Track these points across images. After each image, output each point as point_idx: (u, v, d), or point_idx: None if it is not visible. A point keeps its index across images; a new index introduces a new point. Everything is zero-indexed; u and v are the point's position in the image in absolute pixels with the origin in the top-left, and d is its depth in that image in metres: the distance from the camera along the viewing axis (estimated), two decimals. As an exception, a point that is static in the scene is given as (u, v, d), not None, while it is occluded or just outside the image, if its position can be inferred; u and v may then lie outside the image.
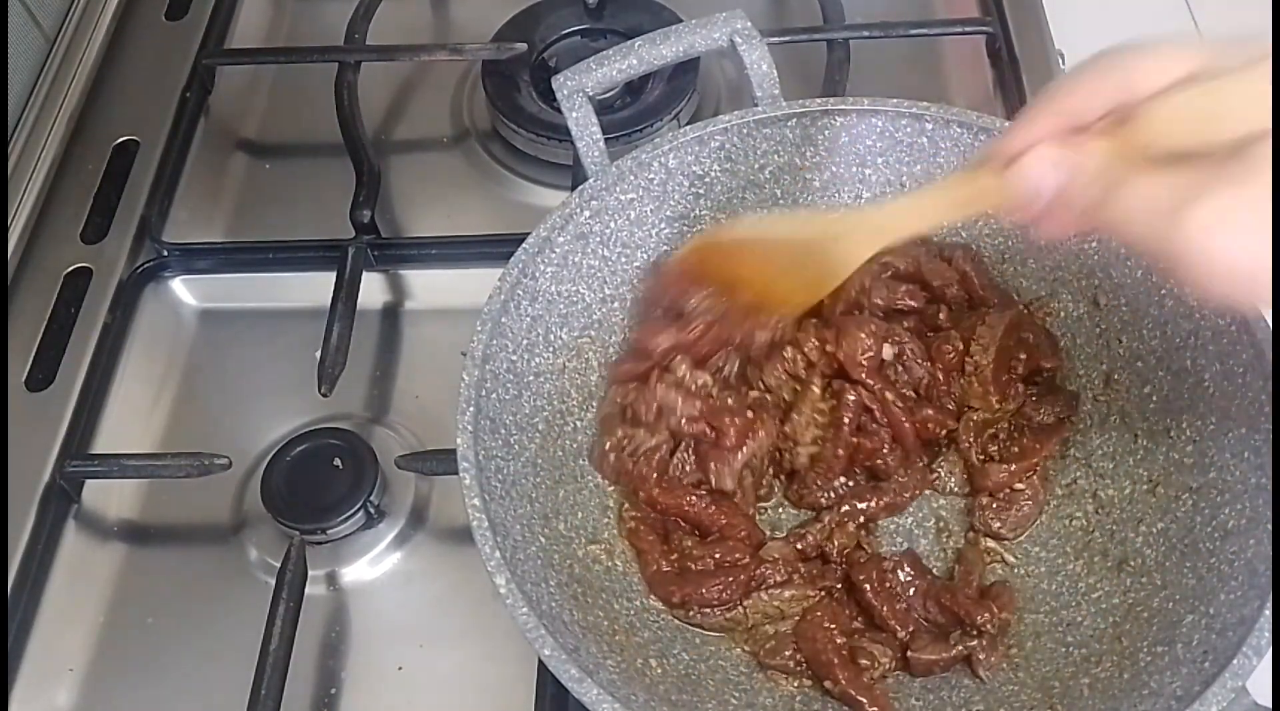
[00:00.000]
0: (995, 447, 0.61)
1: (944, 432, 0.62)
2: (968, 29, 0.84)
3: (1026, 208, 0.45)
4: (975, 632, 0.56)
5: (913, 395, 0.62)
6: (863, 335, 0.61)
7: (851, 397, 0.60)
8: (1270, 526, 0.51)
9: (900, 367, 0.62)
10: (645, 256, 0.64)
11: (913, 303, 0.64)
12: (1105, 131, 0.43)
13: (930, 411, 0.62)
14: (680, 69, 0.80)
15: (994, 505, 0.60)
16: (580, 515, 0.60)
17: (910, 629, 0.57)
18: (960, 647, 0.55)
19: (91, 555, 0.66)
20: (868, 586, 0.57)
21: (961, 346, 0.62)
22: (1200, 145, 0.40)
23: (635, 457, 0.60)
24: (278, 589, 0.60)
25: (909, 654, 0.56)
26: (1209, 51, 0.42)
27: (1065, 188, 0.44)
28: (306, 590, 0.61)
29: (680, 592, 0.57)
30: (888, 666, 0.56)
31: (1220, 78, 0.41)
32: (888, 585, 0.58)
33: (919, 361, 0.62)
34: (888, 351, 0.62)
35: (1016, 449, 0.61)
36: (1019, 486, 0.60)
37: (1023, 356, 0.63)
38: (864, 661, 0.55)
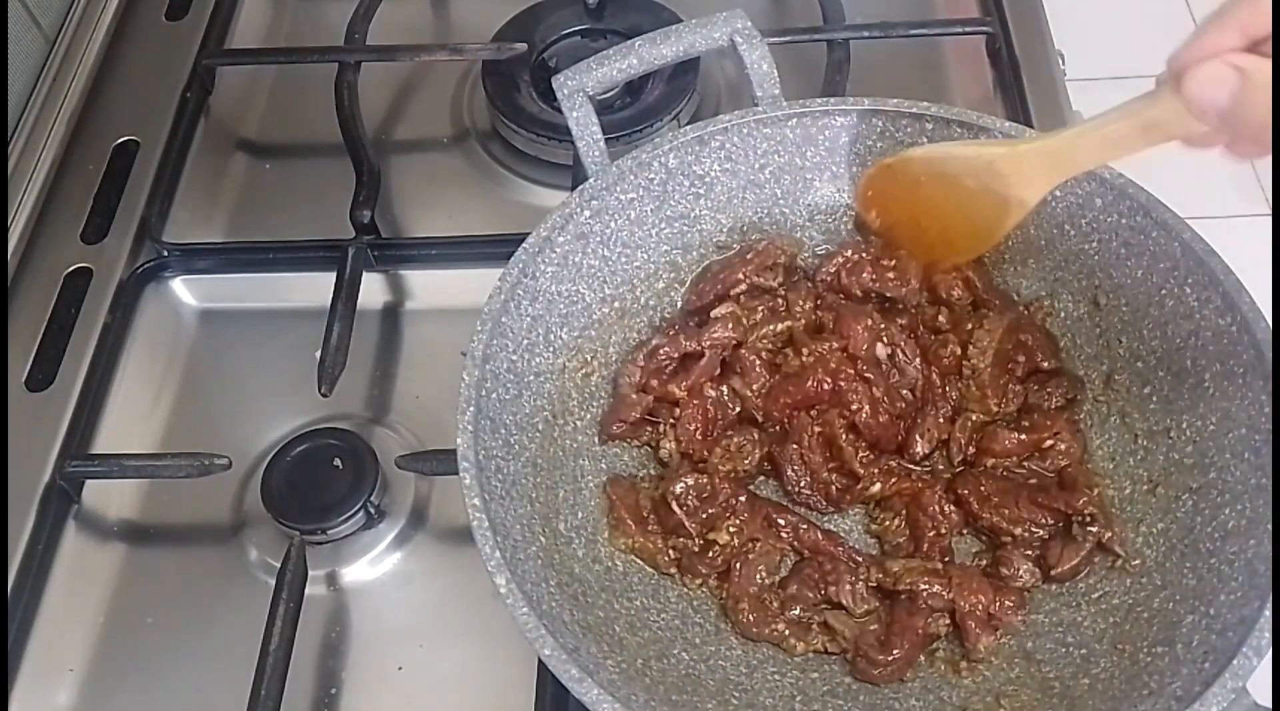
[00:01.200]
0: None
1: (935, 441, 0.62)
2: (968, 29, 0.84)
3: (1205, 118, 0.44)
4: (1089, 518, 0.57)
5: (909, 395, 0.62)
6: (859, 328, 0.61)
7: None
8: (1270, 526, 0.51)
9: (894, 369, 0.62)
10: (645, 256, 0.64)
11: (896, 289, 0.64)
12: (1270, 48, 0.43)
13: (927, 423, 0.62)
14: (680, 69, 0.80)
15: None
16: (580, 515, 0.60)
17: (1022, 530, 0.58)
18: (1089, 541, 0.57)
19: (91, 555, 0.66)
20: (973, 500, 0.59)
21: (959, 351, 0.62)
22: None
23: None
24: (278, 589, 0.60)
25: (1053, 573, 0.57)
26: None
27: (1235, 104, 0.43)
28: (306, 590, 0.61)
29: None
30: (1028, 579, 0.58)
31: None
32: (989, 498, 0.59)
33: (913, 363, 0.62)
34: (881, 351, 0.62)
35: (1027, 423, 0.61)
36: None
37: (1021, 359, 0.62)
38: (1006, 571, 0.57)
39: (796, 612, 0.57)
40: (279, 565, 0.61)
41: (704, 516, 0.59)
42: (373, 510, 0.64)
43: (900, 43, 0.84)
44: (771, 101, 0.64)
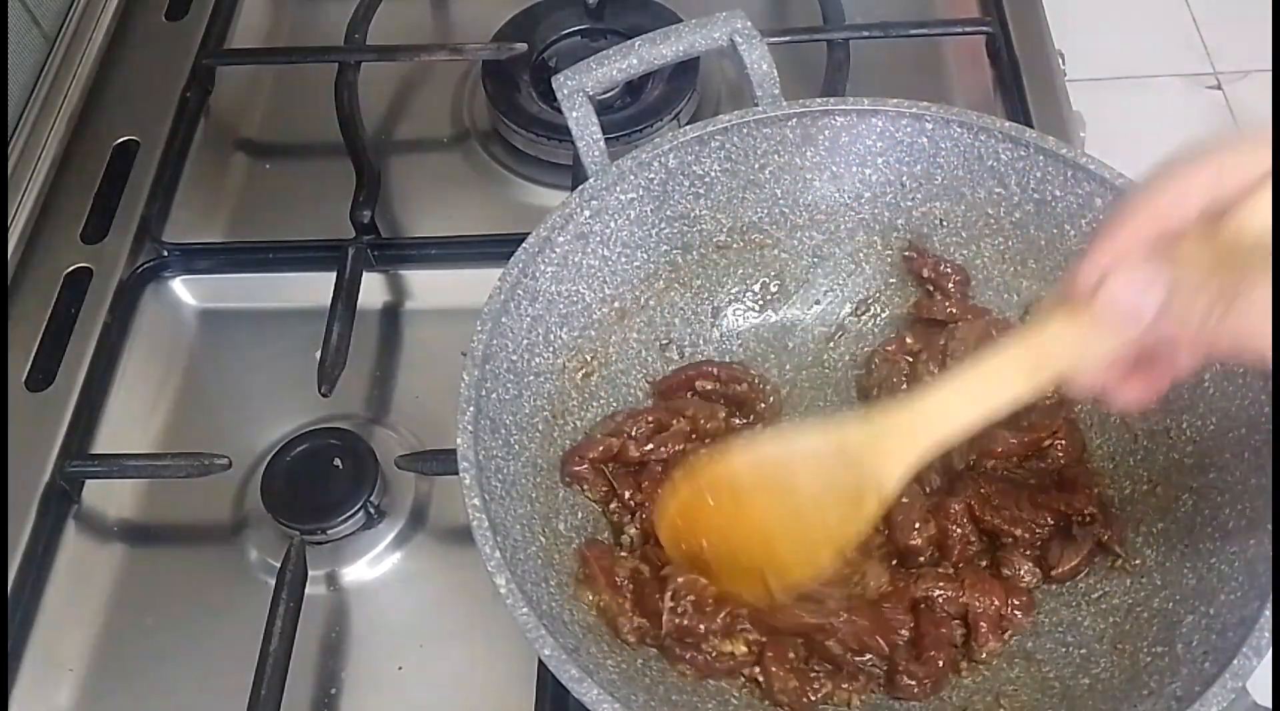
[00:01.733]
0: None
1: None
2: (968, 29, 0.84)
3: (1121, 341, 0.39)
4: (1088, 518, 0.57)
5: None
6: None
7: None
8: (1270, 526, 0.51)
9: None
10: (645, 256, 0.64)
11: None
12: (1200, 236, 0.37)
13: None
14: (680, 69, 0.80)
15: None
16: (580, 515, 0.60)
17: (1022, 531, 0.58)
18: (1089, 542, 0.57)
19: (91, 555, 0.66)
20: (974, 501, 0.58)
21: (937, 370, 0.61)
22: None
23: None
24: (278, 589, 0.60)
25: (1054, 572, 0.57)
26: None
27: (1166, 308, 0.37)
28: (306, 590, 0.61)
29: None
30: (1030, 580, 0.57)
31: None
32: (990, 499, 0.58)
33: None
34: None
35: (1025, 423, 0.61)
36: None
37: None
38: (1007, 572, 0.57)
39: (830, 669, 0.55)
40: (279, 565, 0.61)
41: (698, 623, 0.54)
42: (373, 510, 0.64)
43: (900, 43, 0.84)
44: (771, 101, 0.64)
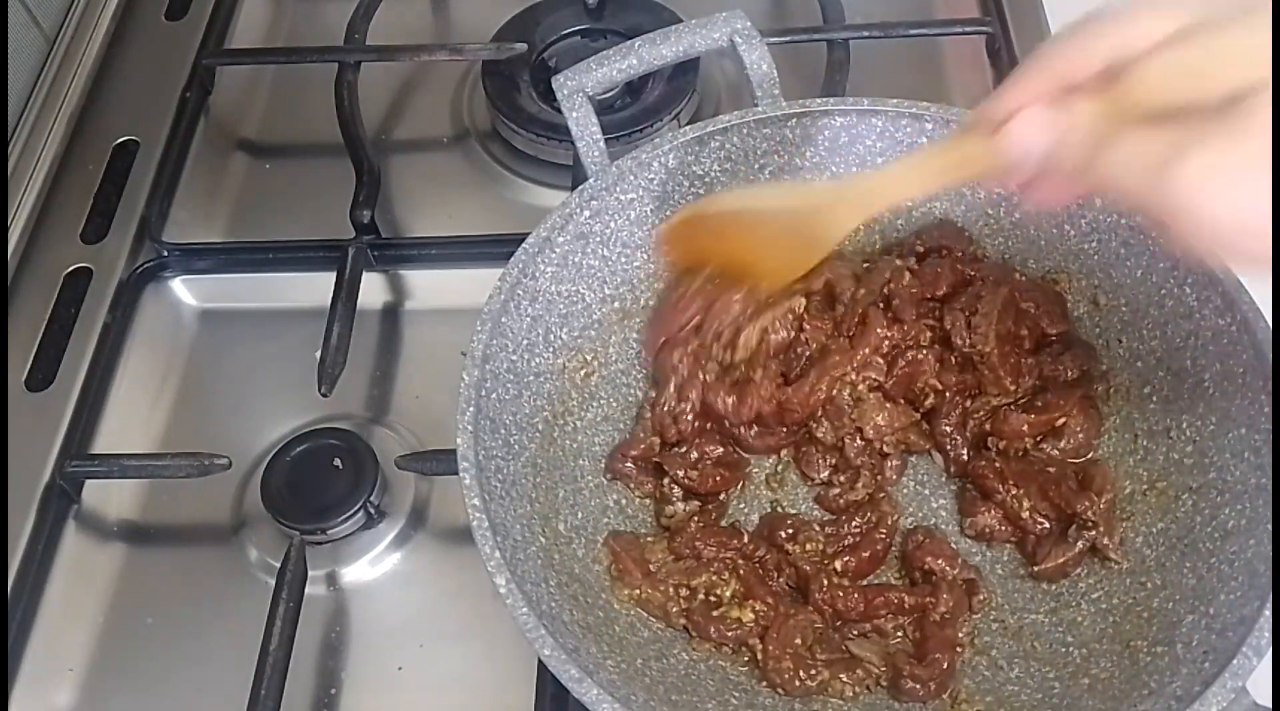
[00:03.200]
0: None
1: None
2: (968, 29, 0.84)
3: (1016, 171, 0.45)
4: (1089, 523, 0.57)
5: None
6: (873, 337, 0.62)
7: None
8: (1270, 526, 0.51)
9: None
10: (645, 256, 0.64)
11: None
12: (1096, 91, 0.42)
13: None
14: (680, 69, 0.80)
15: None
16: (580, 515, 0.60)
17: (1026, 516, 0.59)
18: (1081, 543, 0.57)
19: (91, 555, 0.66)
20: (990, 476, 0.59)
21: (966, 340, 0.62)
22: (1194, 100, 0.39)
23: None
24: (278, 589, 0.60)
25: (1035, 568, 0.57)
26: (1201, 4, 0.41)
27: (1055, 149, 0.43)
28: (306, 590, 0.61)
29: None
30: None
31: (1213, 30, 0.39)
32: (1003, 473, 0.59)
33: (931, 381, 0.62)
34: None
35: (1040, 402, 0.61)
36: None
37: (1025, 331, 0.62)
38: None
39: (830, 656, 0.56)
40: (279, 565, 0.61)
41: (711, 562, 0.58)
42: (373, 510, 0.64)
43: (900, 43, 0.84)
44: (771, 101, 0.64)
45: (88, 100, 0.85)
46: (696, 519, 0.60)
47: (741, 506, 0.62)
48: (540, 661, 0.51)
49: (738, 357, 0.62)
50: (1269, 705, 0.47)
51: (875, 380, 0.62)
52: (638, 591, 0.57)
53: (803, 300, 0.64)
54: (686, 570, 0.58)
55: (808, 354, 0.63)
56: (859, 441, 0.61)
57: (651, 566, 0.58)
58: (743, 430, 0.62)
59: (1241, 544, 0.52)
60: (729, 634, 0.56)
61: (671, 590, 0.57)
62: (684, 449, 0.62)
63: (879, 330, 0.62)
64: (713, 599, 0.57)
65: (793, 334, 0.63)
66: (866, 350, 0.62)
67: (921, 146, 0.55)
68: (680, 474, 0.61)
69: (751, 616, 0.56)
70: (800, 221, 0.54)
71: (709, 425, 0.62)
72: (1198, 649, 0.50)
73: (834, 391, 0.62)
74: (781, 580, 0.59)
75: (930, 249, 0.65)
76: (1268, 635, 0.47)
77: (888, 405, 0.62)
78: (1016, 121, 0.44)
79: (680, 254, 0.61)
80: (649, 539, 0.60)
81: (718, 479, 0.61)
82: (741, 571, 0.58)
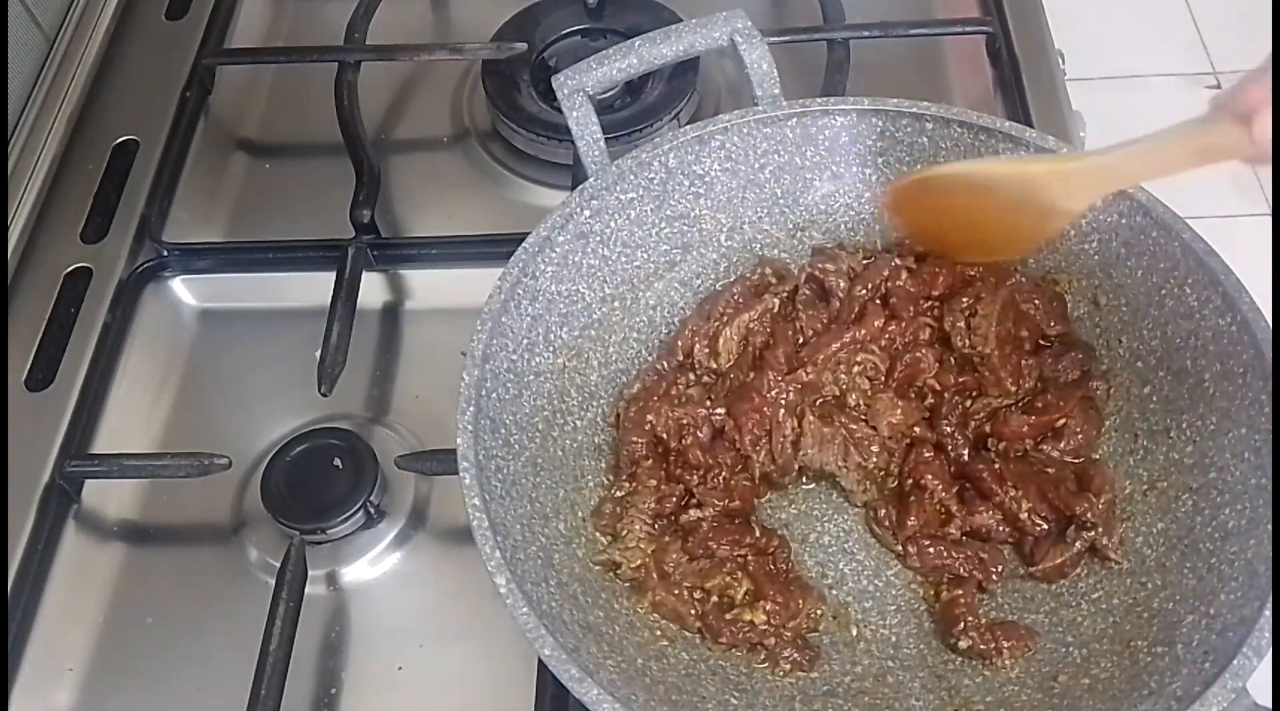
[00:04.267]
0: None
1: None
2: (968, 29, 0.84)
3: (1266, 157, 0.46)
4: (1088, 524, 0.57)
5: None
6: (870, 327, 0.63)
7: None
8: (1270, 526, 0.51)
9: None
10: (645, 256, 0.64)
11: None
12: None
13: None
14: (680, 69, 0.80)
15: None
16: (580, 515, 0.60)
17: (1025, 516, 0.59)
18: (1079, 543, 0.57)
19: (91, 555, 0.66)
20: (988, 477, 0.59)
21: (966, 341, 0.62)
22: None
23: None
24: (278, 589, 0.60)
25: (1034, 568, 0.58)
26: None
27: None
28: (306, 590, 0.61)
29: None
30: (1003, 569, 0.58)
31: None
32: (1001, 473, 0.59)
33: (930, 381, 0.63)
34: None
35: (1040, 404, 0.61)
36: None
37: (1025, 332, 0.62)
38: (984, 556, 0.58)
39: None
40: (279, 565, 0.61)
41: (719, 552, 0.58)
42: (373, 510, 0.64)
43: (900, 43, 0.84)
44: (771, 101, 0.64)
45: (88, 100, 0.84)
46: (711, 519, 0.60)
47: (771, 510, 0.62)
48: (540, 661, 0.51)
49: (721, 363, 0.62)
50: (1269, 705, 0.47)
51: (874, 364, 0.62)
52: (656, 596, 0.57)
53: (776, 301, 0.64)
54: (701, 572, 0.58)
55: (802, 340, 0.63)
56: (874, 447, 0.61)
57: (668, 567, 0.58)
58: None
59: (1241, 544, 0.52)
60: (741, 636, 0.56)
61: (687, 593, 0.57)
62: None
63: (876, 322, 0.62)
64: (725, 601, 0.57)
65: (768, 336, 0.63)
66: (862, 332, 0.62)
67: (1166, 129, 0.52)
68: (695, 479, 0.61)
69: (763, 617, 0.56)
70: (1034, 192, 0.55)
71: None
72: (1198, 649, 0.50)
73: (830, 373, 0.62)
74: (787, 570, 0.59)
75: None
76: (1268, 635, 0.47)
77: (900, 403, 0.62)
78: (1265, 113, 0.45)
79: (908, 217, 0.61)
80: (666, 540, 0.59)
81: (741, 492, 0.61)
82: (751, 567, 0.58)
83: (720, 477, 0.60)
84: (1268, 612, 0.48)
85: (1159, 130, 0.52)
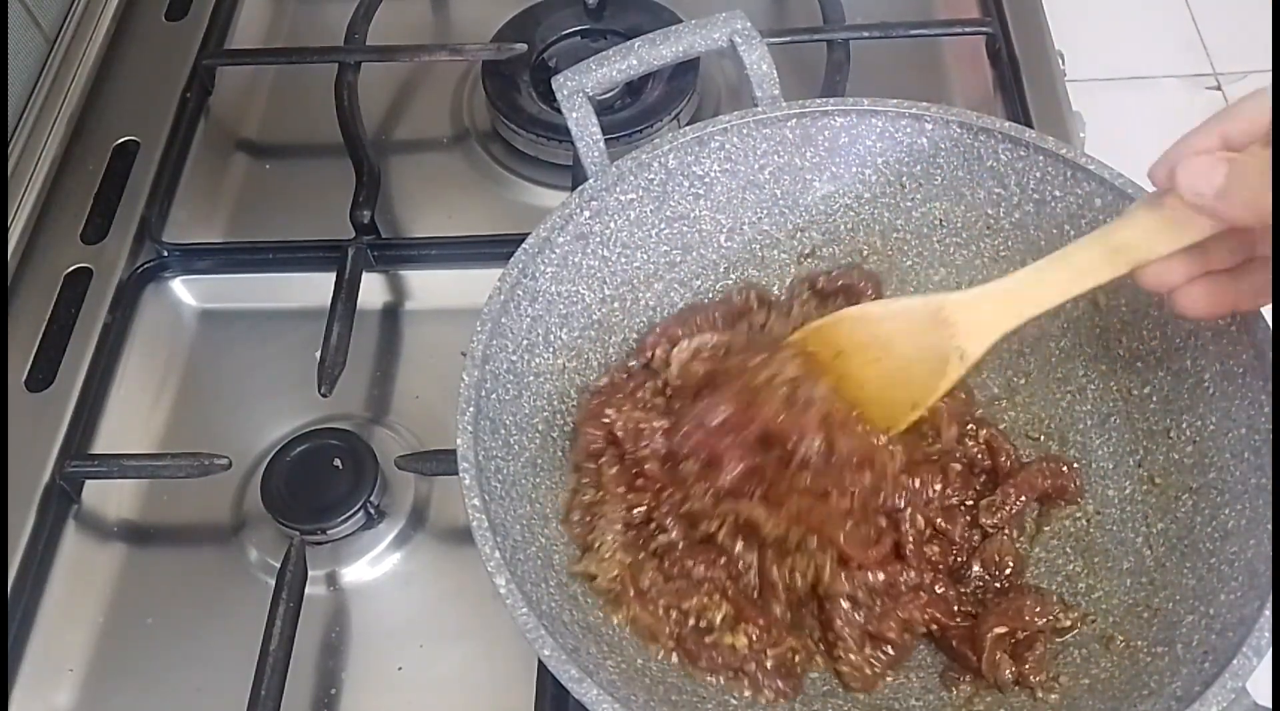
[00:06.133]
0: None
1: None
2: (968, 29, 0.84)
3: (1198, 202, 0.46)
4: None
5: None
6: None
7: None
8: (1270, 526, 0.51)
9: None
10: (645, 256, 0.64)
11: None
12: (1262, 143, 0.45)
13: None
14: (680, 69, 0.80)
15: None
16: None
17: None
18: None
19: (91, 555, 0.66)
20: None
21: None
22: None
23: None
24: (278, 589, 0.60)
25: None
26: None
27: (1230, 182, 0.44)
28: (306, 590, 0.61)
29: None
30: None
31: None
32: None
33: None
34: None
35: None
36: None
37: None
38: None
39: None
40: (279, 565, 0.61)
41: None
42: (373, 510, 0.64)
43: (900, 43, 0.84)
44: (771, 102, 0.64)
45: (88, 100, 0.85)
46: (684, 539, 0.57)
47: None
48: (540, 661, 0.51)
49: (670, 375, 0.61)
50: (1269, 705, 0.47)
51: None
52: (631, 611, 0.56)
53: (724, 337, 0.62)
54: (678, 591, 0.56)
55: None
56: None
57: (644, 585, 0.56)
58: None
59: (1241, 544, 0.52)
60: (720, 662, 0.55)
61: (663, 611, 0.56)
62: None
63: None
64: (703, 624, 0.55)
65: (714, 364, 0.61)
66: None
67: (1072, 243, 0.50)
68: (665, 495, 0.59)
69: (744, 641, 0.55)
70: (930, 337, 0.51)
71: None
72: (1198, 649, 0.50)
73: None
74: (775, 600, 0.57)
75: (835, 291, 0.65)
76: (1268, 635, 0.47)
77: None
78: (1190, 164, 0.45)
79: (805, 361, 0.56)
80: (641, 558, 0.58)
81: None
82: (730, 593, 0.56)
83: (675, 500, 0.58)
84: (1267, 612, 0.47)
85: (1068, 246, 0.50)
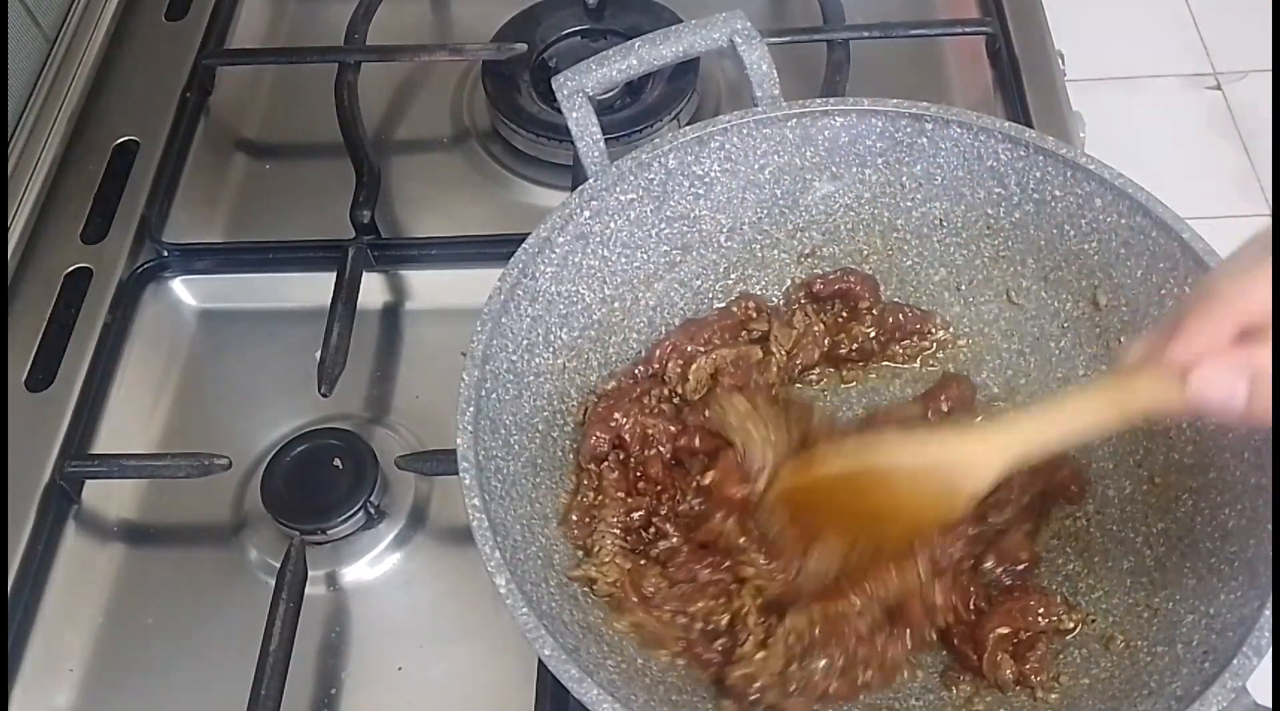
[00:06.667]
0: None
1: None
2: (968, 29, 0.84)
3: (1213, 414, 0.45)
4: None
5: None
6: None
7: None
8: (1270, 526, 0.51)
9: None
10: (645, 256, 0.64)
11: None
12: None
13: None
14: (680, 69, 0.80)
15: None
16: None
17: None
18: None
19: (91, 555, 0.66)
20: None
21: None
22: None
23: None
24: (278, 589, 0.60)
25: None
26: None
27: (1248, 397, 0.43)
28: (306, 590, 0.61)
29: None
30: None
31: None
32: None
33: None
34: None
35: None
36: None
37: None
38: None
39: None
40: (279, 565, 0.61)
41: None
42: (373, 510, 0.64)
43: (900, 43, 0.84)
44: (771, 102, 0.64)
45: (88, 100, 0.84)
46: (687, 545, 0.58)
47: None
48: (540, 661, 0.51)
49: (688, 391, 0.62)
50: (1269, 705, 0.47)
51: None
52: (636, 617, 0.55)
53: (759, 351, 0.64)
54: (683, 596, 0.56)
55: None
56: None
57: (648, 591, 0.56)
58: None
59: (1241, 544, 0.52)
60: (708, 665, 0.55)
61: (669, 617, 0.56)
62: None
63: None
64: (710, 628, 0.56)
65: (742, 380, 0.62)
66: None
67: (1085, 385, 0.51)
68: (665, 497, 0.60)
69: (759, 661, 0.54)
70: (930, 480, 0.50)
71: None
72: (1198, 649, 0.50)
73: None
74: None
75: (831, 295, 0.65)
76: (1268, 635, 0.47)
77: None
78: (1206, 372, 0.44)
79: (792, 534, 0.55)
80: (643, 563, 0.58)
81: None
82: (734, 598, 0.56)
83: (677, 505, 0.59)
84: (1268, 612, 0.48)
85: (1074, 391, 0.50)
